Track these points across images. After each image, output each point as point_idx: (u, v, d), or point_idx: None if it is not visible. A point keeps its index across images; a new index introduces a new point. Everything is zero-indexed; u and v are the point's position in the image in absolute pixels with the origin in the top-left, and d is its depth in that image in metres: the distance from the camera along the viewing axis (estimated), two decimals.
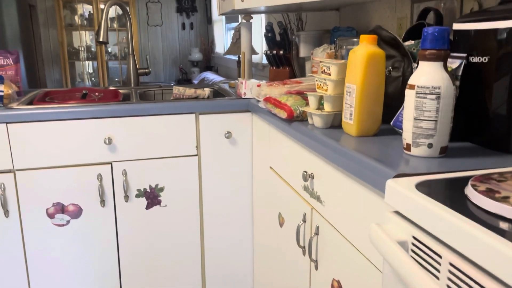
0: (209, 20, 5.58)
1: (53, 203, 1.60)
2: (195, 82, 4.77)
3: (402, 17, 1.63)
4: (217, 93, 2.04)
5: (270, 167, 1.54)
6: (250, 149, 1.75)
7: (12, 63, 1.79)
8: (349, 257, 0.99)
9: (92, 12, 5.16)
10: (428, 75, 0.83)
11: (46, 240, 1.62)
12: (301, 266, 1.27)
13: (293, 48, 1.97)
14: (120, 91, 1.93)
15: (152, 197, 1.68)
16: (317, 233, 1.14)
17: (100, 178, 1.61)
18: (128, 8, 5.17)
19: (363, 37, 1.01)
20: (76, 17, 5.21)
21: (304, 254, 1.23)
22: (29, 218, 1.59)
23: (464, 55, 0.94)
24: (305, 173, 1.17)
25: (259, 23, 3.43)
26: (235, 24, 4.47)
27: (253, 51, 2.69)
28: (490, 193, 0.62)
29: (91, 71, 5.49)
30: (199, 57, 5.50)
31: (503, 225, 0.56)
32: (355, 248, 0.96)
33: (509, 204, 0.58)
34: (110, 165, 1.62)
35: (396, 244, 0.67)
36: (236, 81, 1.89)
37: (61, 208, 1.61)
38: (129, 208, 1.67)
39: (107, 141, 1.58)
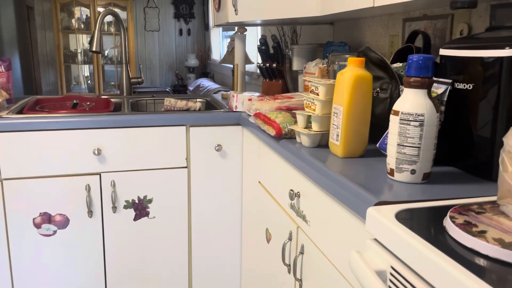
0: (206, 27, 5.60)
1: (40, 213, 1.59)
2: (191, 88, 4.78)
3: (394, 34, 1.64)
4: (209, 105, 2.04)
5: (259, 182, 1.54)
6: (240, 162, 1.75)
7: (3, 70, 1.79)
8: (332, 280, 0.99)
9: (89, 15, 5.16)
10: (412, 102, 0.84)
11: (32, 250, 1.61)
12: (286, 284, 1.27)
13: (286, 61, 1.98)
14: (112, 100, 1.93)
15: (140, 208, 1.68)
16: (302, 253, 1.14)
17: (88, 188, 1.60)
18: (124, 14, 5.18)
19: (350, 59, 1.02)
20: (73, 20, 5.21)
21: (289, 272, 1.23)
22: (15, 227, 1.58)
23: (449, 81, 0.95)
24: (292, 192, 1.17)
25: (255, 33, 3.44)
26: (232, 32, 4.48)
27: (247, 61, 2.70)
28: (467, 227, 0.63)
29: (87, 74, 5.48)
30: (196, 63, 5.50)
31: (478, 261, 0.57)
32: (338, 271, 0.96)
33: (485, 240, 0.59)
34: (98, 175, 1.61)
35: (374, 274, 0.67)
36: (229, 93, 1.90)
37: (48, 218, 1.60)
38: (117, 219, 1.66)
39: (96, 152, 1.57)
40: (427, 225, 0.68)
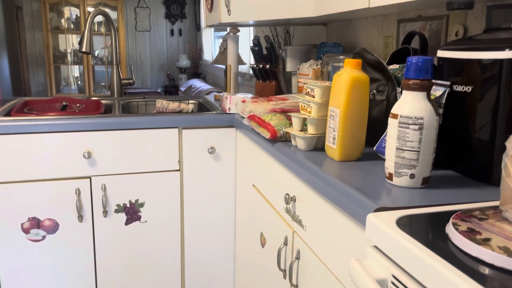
0: (197, 27, 5.56)
1: (29, 218, 1.55)
2: (182, 89, 4.74)
3: (388, 35, 1.63)
4: (202, 106, 2.01)
5: (253, 185, 1.52)
6: (233, 165, 1.73)
7: None
8: (329, 286, 0.97)
9: (79, 15, 5.10)
10: (411, 105, 0.82)
11: (21, 256, 1.57)
12: None
13: (279, 62, 1.96)
14: (102, 102, 1.89)
15: (131, 212, 1.64)
16: (298, 258, 1.12)
17: (78, 192, 1.57)
18: (115, 14, 5.12)
19: (347, 61, 1.00)
20: (62, 20, 5.14)
21: (284, 277, 1.21)
22: (3, 233, 1.54)
23: (448, 83, 0.93)
24: (287, 196, 1.15)
25: (247, 34, 3.42)
26: (224, 33, 4.46)
27: (240, 62, 2.67)
28: (471, 234, 0.61)
29: (77, 75, 5.41)
30: (187, 64, 5.46)
31: (483, 271, 0.55)
32: (335, 277, 0.94)
33: (490, 248, 0.57)
34: (89, 179, 1.58)
35: (375, 283, 0.65)
36: (222, 94, 1.87)
37: (36, 223, 1.56)
38: (108, 223, 1.63)
39: (86, 155, 1.54)
40: (429, 232, 0.66)
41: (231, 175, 1.73)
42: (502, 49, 0.83)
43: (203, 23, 5.34)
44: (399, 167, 0.84)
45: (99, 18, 5.20)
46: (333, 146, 1.04)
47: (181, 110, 1.76)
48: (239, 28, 2.06)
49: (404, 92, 0.84)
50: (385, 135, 1.01)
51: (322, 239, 0.99)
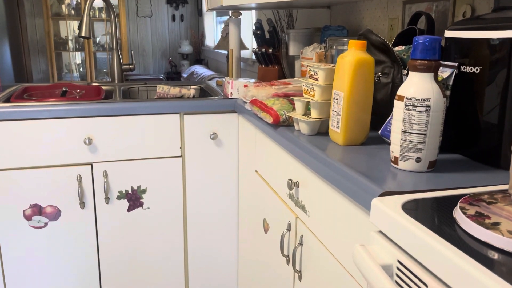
0: (199, 12, 5.49)
1: (30, 205, 1.54)
2: (185, 75, 4.70)
3: (393, 17, 1.59)
4: (204, 92, 1.99)
5: (256, 171, 1.50)
6: (236, 151, 1.71)
7: None
8: (332, 272, 0.96)
9: (79, 1, 5.04)
10: (418, 87, 0.80)
11: (23, 243, 1.57)
12: (284, 275, 1.24)
13: (282, 46, 1.92)
14: (103, 87, 1.87)
15: (134, 199, 1.63)
16: (301, 244, 1.11)
17: (79, 179, 1.56)
18: (116, 0, 5.06)
19: (352, 42, 0.97)
20: (63, 6, 5.08)
21: (288, 263, 1.20)
22: (4, 219, 1.53)
23: (455, 64, 0.90)
24: (290, 181, 1.13)
25: (249, 18, 3.37)
26: (226, 18, 4.40)
27: (242, 46, 2.63)
28: (479, 219, 0.59)
29: (78, 62, 5.37)
30: (189, 50, 5.41)
31: (492, 256, 0.53)
32: (339, 263, 0.93)
33: (499, 232, 0.55)
34: (90, 165, 1.57)
35: (380, 268, 0.64)
36: (223, 79, 1.84)
37: (38, 210, 1.55)
38: (110, 210, 1.62)
39: (87, 141, 1.52)
40: (436, 216, 0.65)
41: (234, 160, 1.71)
42: (511, 27, 0.80)
43: (204, 7, 5.27)
44: (405, 151, 0.82)
45: (101, 4, 5.14)
46: (337, 130, 1.02)
47: (183, 96, 1.74)
48: (241, 11, 2.02)
49: (410, 73, 0.81)
50: (391, 118, 0.99)
51: (325, 224, 0.98)
